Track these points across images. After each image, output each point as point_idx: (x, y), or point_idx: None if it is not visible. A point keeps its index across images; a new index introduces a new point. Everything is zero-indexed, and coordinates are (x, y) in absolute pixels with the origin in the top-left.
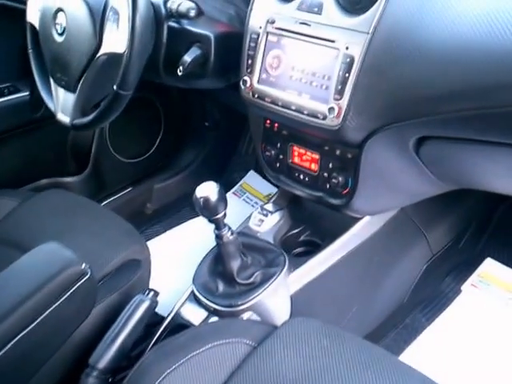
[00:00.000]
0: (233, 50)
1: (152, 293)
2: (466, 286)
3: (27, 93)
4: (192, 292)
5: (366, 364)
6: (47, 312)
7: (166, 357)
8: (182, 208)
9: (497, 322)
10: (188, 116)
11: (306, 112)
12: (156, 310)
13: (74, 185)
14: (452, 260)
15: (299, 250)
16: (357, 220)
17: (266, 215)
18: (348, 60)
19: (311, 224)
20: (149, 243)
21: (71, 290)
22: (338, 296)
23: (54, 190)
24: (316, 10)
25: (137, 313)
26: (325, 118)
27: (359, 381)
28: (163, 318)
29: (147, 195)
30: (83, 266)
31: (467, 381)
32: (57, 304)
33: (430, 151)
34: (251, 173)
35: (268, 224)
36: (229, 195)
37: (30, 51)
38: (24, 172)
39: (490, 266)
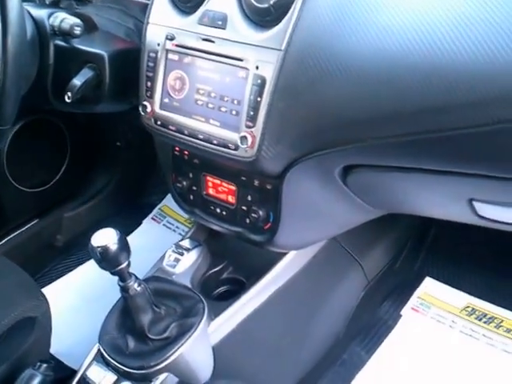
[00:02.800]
0: (132, 69)
1: (44, 366)
2: (405, 311)
3: None
4: (99, 350)
5: None
6: None
7: None
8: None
9: (441, 348)
10: (97, 136)
11: (215, 142)
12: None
13: None
14: (389, 283)
15: (222, 289)
16: (284, 253)
17: (181, 254)
18: (259, 81)
19: (234, 260)
20: (53, 285)
21: None
22: (268, 340)
23: None
24: (220, 23)
25: None
26: (237, 148)
27: None
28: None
29: (56, 226)
30: None
31: None
32: None
33: (358, 180)
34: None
35: (184, 264)
36: (147, 221)
37: None
38: None
39: (429, 286)
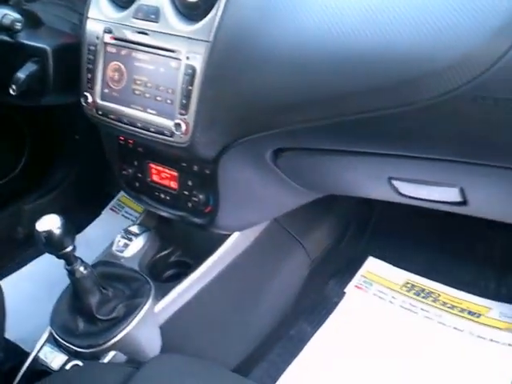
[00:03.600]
0: (75, 62)
1: None
2: (349, 288)
3: None
4: (51, 333)
5: None
6: None
7: None
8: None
9: (382, 322)
10: (56, 130)
11: (152, 129)
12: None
13: None
14: (334, 263)
15: (170, 272)
16: (228, 236)
17: (130, 239)
18: (190, 71)
19: (181, 244)
20: (12, 276)
21: None
22: (214, 319)
23: None
24: (153, 17)
25: None
26: (172, 134)
27: None
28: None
29: (16, 218)
30: None
31: None
32: None
33: (287, 163)
34: None
35: (133, 248)
36: (106, 211)
37: None
38: None
39: (372, 265)
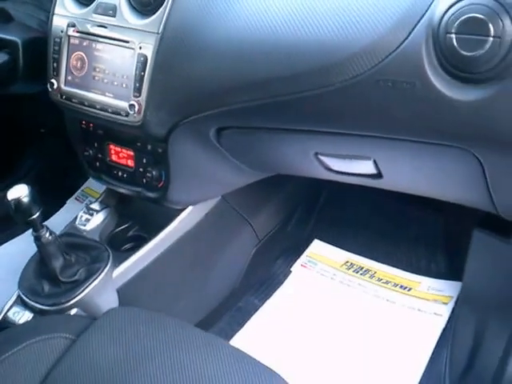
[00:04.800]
0: (43, 54)
1: None
2: (295, 267)
3: None
4: (18, 295)
5: (182, 345)
6: None
7: None
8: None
9: (323, 297)
10: (21, 123)
11: (110, 110)
12: None
13: None
14: (281, 244)
15: (128, 245)
16: (180, 212)
17: (91, 214)
18: (142, 59)
19: (138, 220)
20: None
21: None
22: (167, 287)
23: None
24: (111, 12)
25: None
26: (127, 114)
27: (174, 361)
28: None
29: None
30: None
31: (299, 355)
32: None
33: (229, 141)
34: None
35: (94, 222)
36: (71, 201)
37: None
38: None
39: (317, 247)
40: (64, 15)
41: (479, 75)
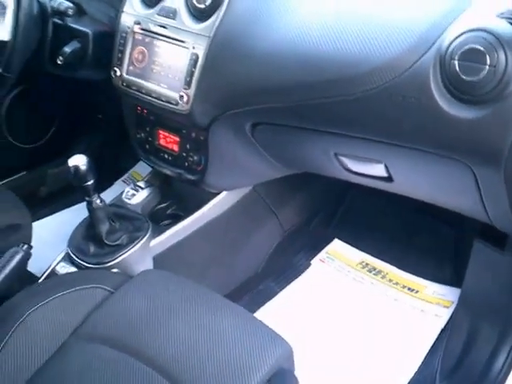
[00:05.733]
0: (109, 46)
1: (26, 246)
2: (314, 261)
3: None
4: (67, 253)
5: (202, 305)
6: None
7: (31, 298)
8: (74, 192)
9: (337, 290)
10: (82, 108)
11: (163, 99)
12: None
13: None
14: (304, 239)
15: (166, 222)
16: (214, 196)
17: (137, 190)
18: (194, 57)
19: (178, 200)
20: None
21: None
22: (196, 261)
23: None
24: (171, 15)
25: (11, 261)
26: (177, 103)
27: (193, 317)
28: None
29: (41, 179)
30: None
31: (305, 342)
32: None
33: (262, 135)
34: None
35: (138, 198)
36: (118, 182)
37: None
38: None
39: (336, 245)
40: (131, 14)
41: (477, 97)
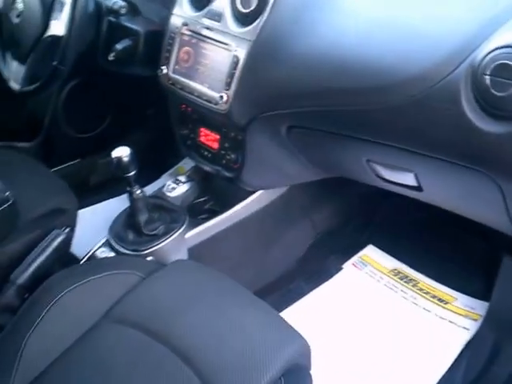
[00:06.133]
0: (159, 45)
1: (67, 229)
2: (346, 265)
3: None
4: (107, 239)
5: (227, 297)
6: None
7: (69, 278)
8: (121, 182)
9: (367, 295)
10: (134, 104)
11: (204, 98)
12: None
13: (25, 150)
14: (337, 243)
15: (203, 216)
16: (250, 194)
17: (177, 184)
18: (235, 60)
19: (215, 196)
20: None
21: None
22: (229, 256)
23: None
24: (217, 18)
25: (53, 242)
26: (217, 103)
27: (217, 308)
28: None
29: (92, 168)
30: (7, 193)
31: (329, 343)
32: None
33: (297, 138)
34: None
35: (178, 191)
36: (164, 176)
37: None
38: None
39: (370, 251)
40: (180, 15)
41: (506, 112)
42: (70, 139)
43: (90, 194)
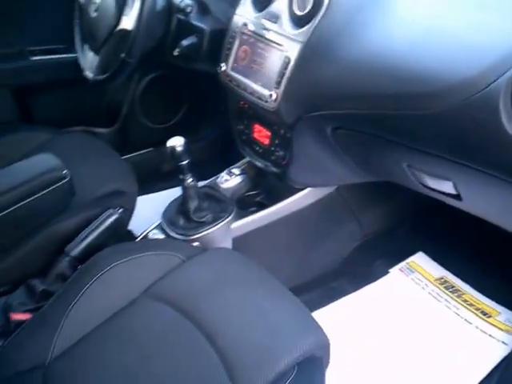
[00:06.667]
0: (222, 43)
1: (121, 210)
2: (393, 269)
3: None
4: (160, 223)
5: (257, 283)
6: (33, 198)
7: (117, 254)
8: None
9: (411, 301)
10: (208, 99)
11: (256, 95)
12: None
13: (103, 136)
14: (385, 247)
15: (252, 209)
16: (298, 191)
17: (231, 176)
18: (287, 60)
19: (266, 191)
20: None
21: (53, 187)
22: (273, 249)
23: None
24: (274, 20)
25: (107, 221)
26: (267, 101)
27: (246, 296)
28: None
29: (164, 157)
30: (64, 171)
31: (366, 345)
32: (40, 194)
33: (341, 139)
34: None
35: (230, 183)
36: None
37: (76, 22)
38: (66, 117)
39: (419, 258)
40: (242, 16)
41: None
42: (145, 129)
43: (161, 181)
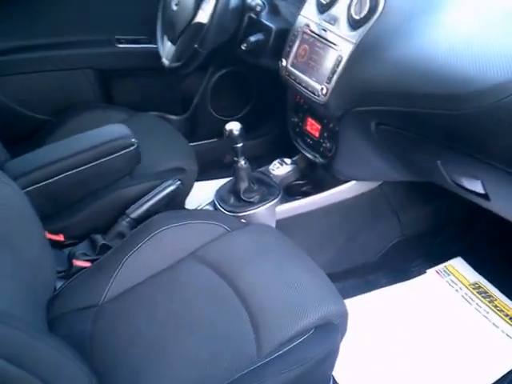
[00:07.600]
0: (284, 41)
1: (178, 182)
2: (430, 270)
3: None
4: (212, 200)
5: (290, 256)
6: (101, 160)
7: (170, 219)
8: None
9: (443, 301)
10: (273, 100)
11: (309, 89)
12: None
13: (174, 122)
14: (425, 248)
15: (298, 197)
16: (342, 183)
17: (282, 164)
18: (339, 59)
19: (313, 181)
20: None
21: (121, 152)
22: (313, 235)
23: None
24: (332, 22)
25: (165, 190)
26: (319, 95)
27: (279, 263)
28: None
29: (227, 148)
30: (133, 139)
31: (390, 340)
32: (109, 157)
33: (383, 135)
34: None
35: (281, 171)
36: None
37: (159, 14)
38: (142, 102)
39: (457, 262)
40: (305, 16)
41: None
42: (212, 120)
43: (223, 170)
